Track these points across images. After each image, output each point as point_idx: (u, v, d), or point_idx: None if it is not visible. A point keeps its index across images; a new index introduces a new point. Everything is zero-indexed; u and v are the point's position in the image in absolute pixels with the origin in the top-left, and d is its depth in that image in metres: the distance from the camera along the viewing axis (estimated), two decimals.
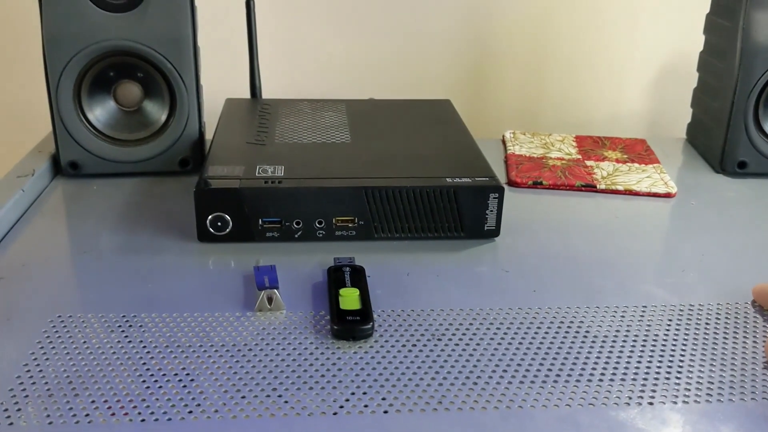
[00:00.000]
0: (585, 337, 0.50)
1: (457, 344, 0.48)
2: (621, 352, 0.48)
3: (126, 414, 0.41)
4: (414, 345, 0.48)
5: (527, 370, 0.46)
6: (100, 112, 0.72)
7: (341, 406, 0.42)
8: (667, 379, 0.46)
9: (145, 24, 0.69)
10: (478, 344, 0.49)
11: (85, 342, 0.48)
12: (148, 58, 0.70)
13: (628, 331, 0.50)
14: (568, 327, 0.51)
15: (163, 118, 0.73)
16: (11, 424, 0.40)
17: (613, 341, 0.49)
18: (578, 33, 1.00)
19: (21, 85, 0.96)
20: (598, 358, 0.47)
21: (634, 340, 0.49)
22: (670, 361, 0.47)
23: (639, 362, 0.47)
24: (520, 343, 0.49)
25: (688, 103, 0.88)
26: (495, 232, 0.63)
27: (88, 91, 0.71)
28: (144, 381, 0.44)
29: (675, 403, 0.43)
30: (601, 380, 0.45)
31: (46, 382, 0.44)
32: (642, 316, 0.52)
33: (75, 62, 0.69)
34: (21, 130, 0.98)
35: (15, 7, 0.92)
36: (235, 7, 0.89)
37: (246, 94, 0.83)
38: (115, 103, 0.73)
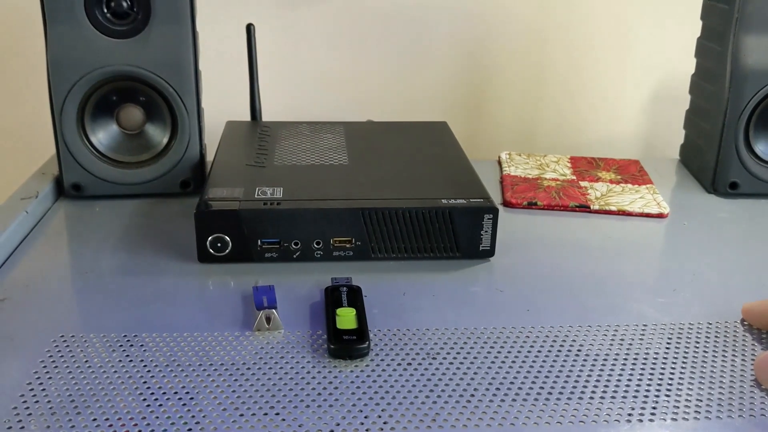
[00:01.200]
0: (577, 355, 0.51)
1: (451, 363, 0.49)
2: (612, 370, 0.49)
3: None
4: (409, 363, 0.49)
5: (520, 388, 0.47)
6: (103, 135, 0.74)
7: (337, 424, 0.43)
8: (657, 396, 0.46)
9: (148, 50, 0.71)
10: (472, 363, 0.49)
11: (87, 361, 0.49)
12: (150, 82, 0.71)
13: (620, 349, 0.51)
14: (561, 345, 0.52)
15: (165, 140, 0.74)
16: None
17: (605, 359, 0.50)
18: (573, 57, 1.02)
19: (26, 108, 0.98)
20: (589, 376, 0.48)
21: (625, 359, 0.50)
22: (660, 379, 0.48)
23: (630, 380, 0.48)
24: (514, 362, 0.50)
25: (680, 125, 0.90)
26: (490, 253, 0.64)
27: (92, 114, 0.72)
28: (144, 399, 0.45)
29: (664, 420, 0.44)
30: (592, 398, 0.46)
31: (49, 401, 0.45)
32: (634, 334, 0.53)
33: (79, 87, 0.70)
34: (25, 153, 0.99)
35: (21, 32, 0.94)
36: (235, 32, 0.91)
37: (246, 116, 0.85)
38: (118, 126, 0.74)
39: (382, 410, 0.45)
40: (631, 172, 0.84)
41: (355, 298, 0.55)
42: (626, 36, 1.01)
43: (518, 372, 0.49)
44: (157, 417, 0.44)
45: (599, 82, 1.03)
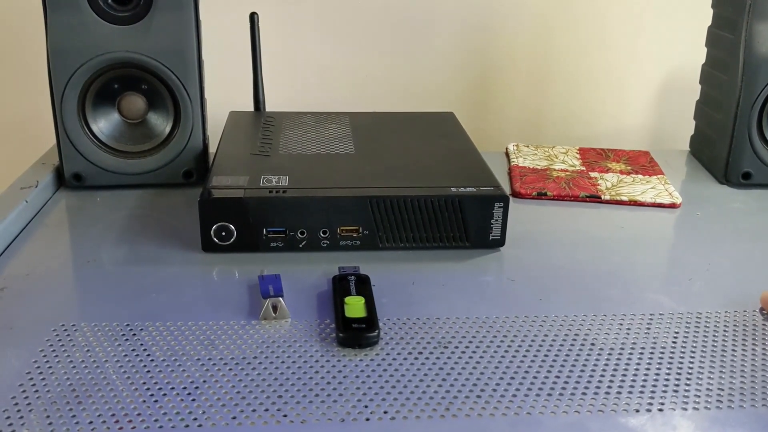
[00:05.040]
0: (592, 345, 0.49)
1: (463, 352, 0.48)
2: (629, 359, 0.48)
3: (130, 421, 0.41)
4: (420, 353, 0.48)
5: (535, 377, 0.45)
6: (105, 124, 0.72)
7: (348, 413, 0.42)
8: (677, 385, 0.45)
9: (150, 36, 0.69)
10: (485, 352, 0.48)
11: (88, 351, 0.47)
12: (153, 70, 0.70)
13: (636, 338, 0.50)
14: (575, 335, 0.50)
15: (167, 130, 0.73)
16: (13, 431, 0.40)
17: (621, 349, 0.49)
18: (581, 47, 1.00)
19: (26, 97, 0.96)
20: (606, 365, 0.47)
21: (642, 348, 0.49)
22: (680, 368, 0.47)
23: (648, 369, 0.47)
24: (527, 351, 0.48)
25: (690, 116, 0.88)
26: (500, 242, 0.62)
27: (93, 103, 0.71)
28: (148, 389, 0.44)
29: (685, 409, 0.43)
30: (609, 387, 0.45)
31: (49, 391, 0.43)
32: (650, 324, 0.52)
33: (79, 74, 0.69)
34: (25, 142, 0.98)
35: (20, 19, 0.93)
36: (239, 21, 0.89)
37: (250, 107, 0.83)
38: (120, 115, 0.73)
39: (393, 399, 0.43)
40: (642, 163, 0.83)
41: (363, 286, 0.54)
42: (634, 27, 1.00)
43: (533, 361, 0.47)
44: (162, 407, 0.42)
45: (607, 73, 1.02)
